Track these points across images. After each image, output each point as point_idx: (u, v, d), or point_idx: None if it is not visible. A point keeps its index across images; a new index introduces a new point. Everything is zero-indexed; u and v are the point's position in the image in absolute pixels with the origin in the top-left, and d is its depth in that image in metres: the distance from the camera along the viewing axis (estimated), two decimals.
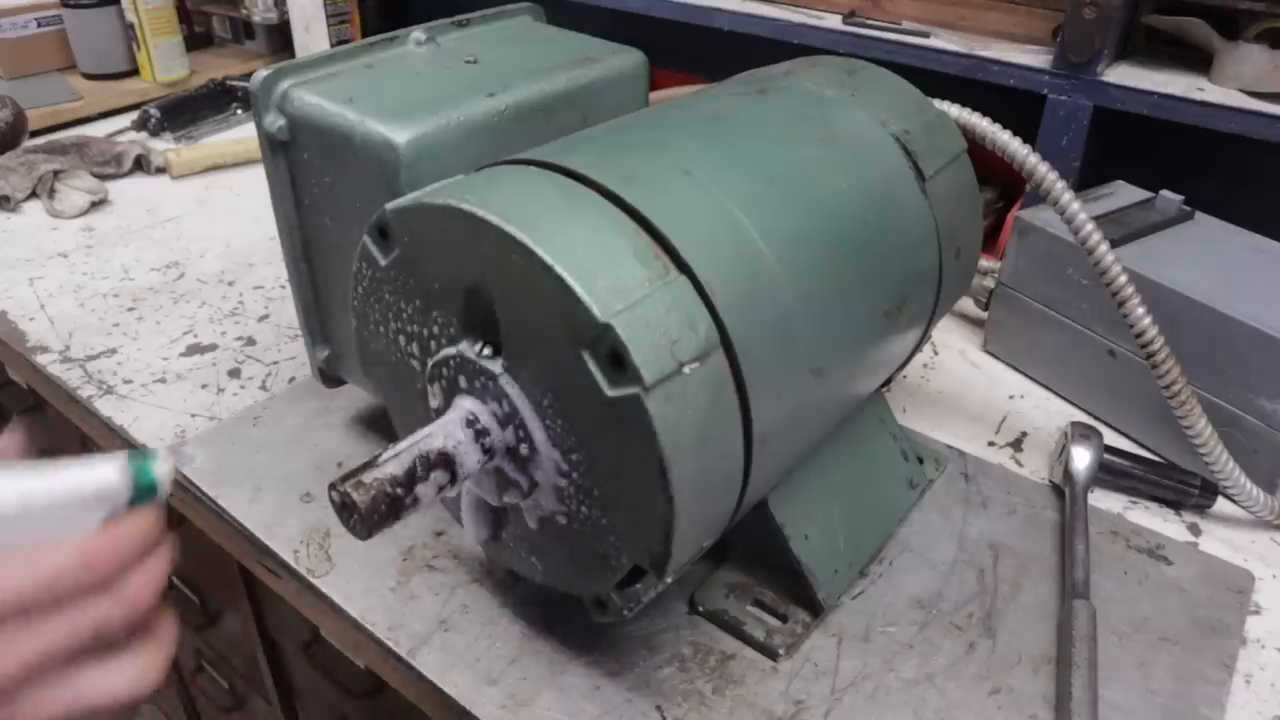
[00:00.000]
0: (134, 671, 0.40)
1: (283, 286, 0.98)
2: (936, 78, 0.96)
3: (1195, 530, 0.70)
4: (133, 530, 0.40)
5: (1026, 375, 0.87)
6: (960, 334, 0.93)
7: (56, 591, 0.38)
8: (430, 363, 0.51)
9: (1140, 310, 0.65)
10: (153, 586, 0.40)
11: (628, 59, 0.71)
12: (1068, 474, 0.70)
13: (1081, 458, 0.70)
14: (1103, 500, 0.72)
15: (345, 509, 0.45)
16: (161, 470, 0.41)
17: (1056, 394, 0.84)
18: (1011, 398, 0.84)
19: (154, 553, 0.41)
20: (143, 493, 0.40)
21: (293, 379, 0.84)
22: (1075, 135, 0.92)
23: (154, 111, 1.35)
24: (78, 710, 0.39)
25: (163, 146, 1.29)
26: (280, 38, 1.60)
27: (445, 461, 0.47)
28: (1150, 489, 0.72)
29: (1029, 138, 0.68)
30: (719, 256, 0.47)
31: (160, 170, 1.25)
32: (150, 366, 0.86)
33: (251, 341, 0.90)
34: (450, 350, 0.50)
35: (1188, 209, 0.83)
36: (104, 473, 0.39)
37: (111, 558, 0.39)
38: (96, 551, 0.39)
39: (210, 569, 0.95)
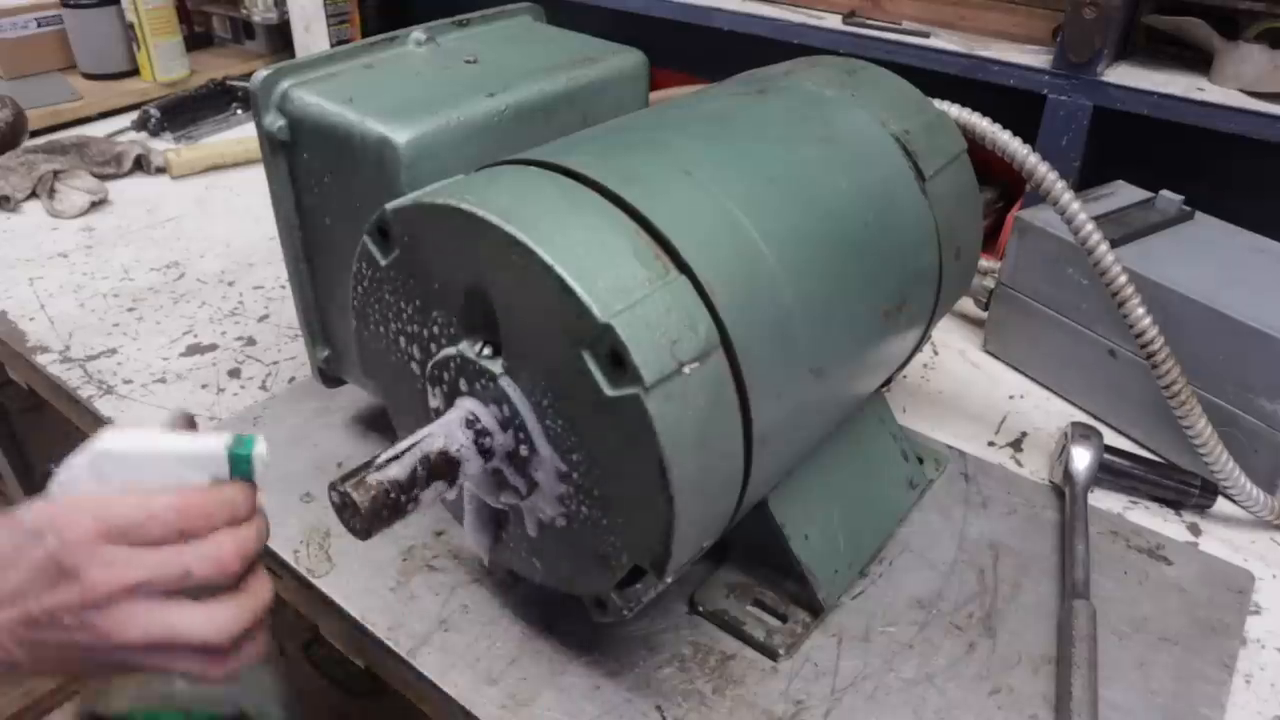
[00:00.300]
0: (214, 617, 0.46)
1: (283, 286, 0.98)
2: (936, 78, 0.96)
3: (1195, 530, 0.70)
4: (224, 493, 0.46)
5: (1026, 375, 0.86)
6: (960, 334, 0.93)
7: (153, 526, 0.45)
8: (430, 363, 0.51)
9: (1140, 310, 0.65)
10: (238, 548, 0.46)
11: (628, 59, 0.71)
12: (1068, 474, 0.70)
13: (1081, 458, 0.70)
14: (1103, 500, 0.72)
15: (345, 509, 0.45)
16: (256, 448, 0.47)
17: (1056, 394, 0.84)
18: (1011, 398, 0.84)
19: (245, 522, 0.47)
20: (240, 464, 0.47)
21: (293, 379, 0.84)
22: (1075, 135, 0.92)
23: (154, 111, 1.35)
24: (160, 637, 0.45)
25: (163, 146, 1.29)
26: (280, 38, 1.60)
27: (445, 462, 0.47)
28: (1150, 489, 0.72)
29: (1029, 138, 0.68)
30: (719, 256, 0.47)
31: (160, 170, 1.25)
32: (150, 366, 0.86)
33: (251, 341, 0.90)
34: (450, 350, 0.50)
35: (1188, 209, 0.83)
36: (211, 442, 0.47)
37: (200, 508, 0.46)
38: (189, 499, 0.46)
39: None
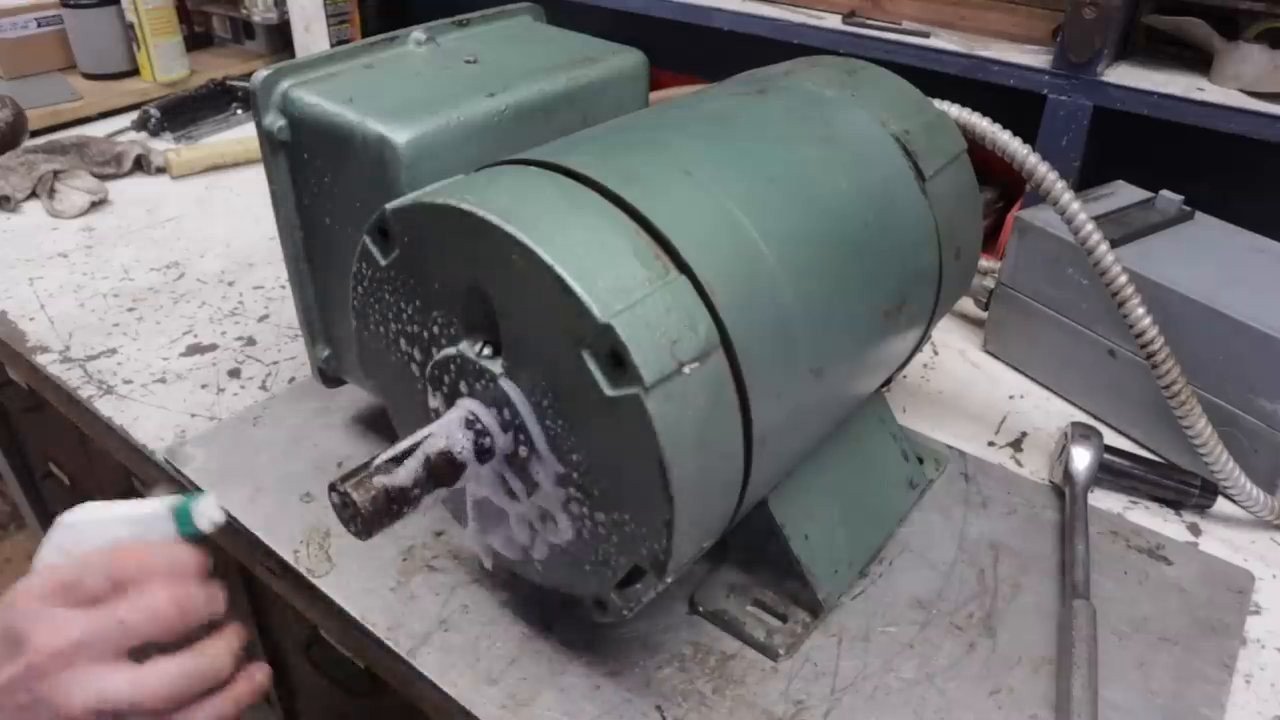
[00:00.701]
0: (139, 678, 0.46)
1: (283, 286, 0.98)
2: (936, 78, 0.96)
3: (1195, 530, 0.70)
4: (163, 549, 0.49)
5: (1026, 375, 0.86)
6: (960, 334, 0.93)
7: (89, 579, 0.47)
8: (430, 363, 0.51)
9: (1140, 310, 0.65)
10: (176, 600, 0.47)
11: (628, 59, 0.71)
12: (1068, 474, 0.70)
13: (1081, 458, 0.70)
14: (1103, 500, 0.72)
15: (345, 509, 0.45)
16: (199, 506, 0.50)
17: (1056, 394, 0.84)
18: (1011, 398, 0.84)
19: (189, 580, 0.49)
20: (184, 521, 0.50)
21: (293, 379, 0.84)
22: (1075, 135, 0.92)
23: (154, 111, 1.34)
24: (96, 703, 0.45)
25: (163, 146, 1.29)
26: (280, 38, 1.60)
27: (446, 462, 0.47)
28: (1150, 489, 0.72)
29: (1029, 138, 0.68)
30: (719, 256, 0.47)
31: (160, 170, 1.25)
32: (150, 366, 0.86)
33: (251, 341, 0.90)
34: (450, 350, 0.50)
35: (1188, 209, 0.83)
36: (156, 503, 0.50)
37: (134, 558, 0.48)
38: (122, 550, 0.48)
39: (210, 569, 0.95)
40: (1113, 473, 0.72)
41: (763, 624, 0.60)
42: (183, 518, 0.50)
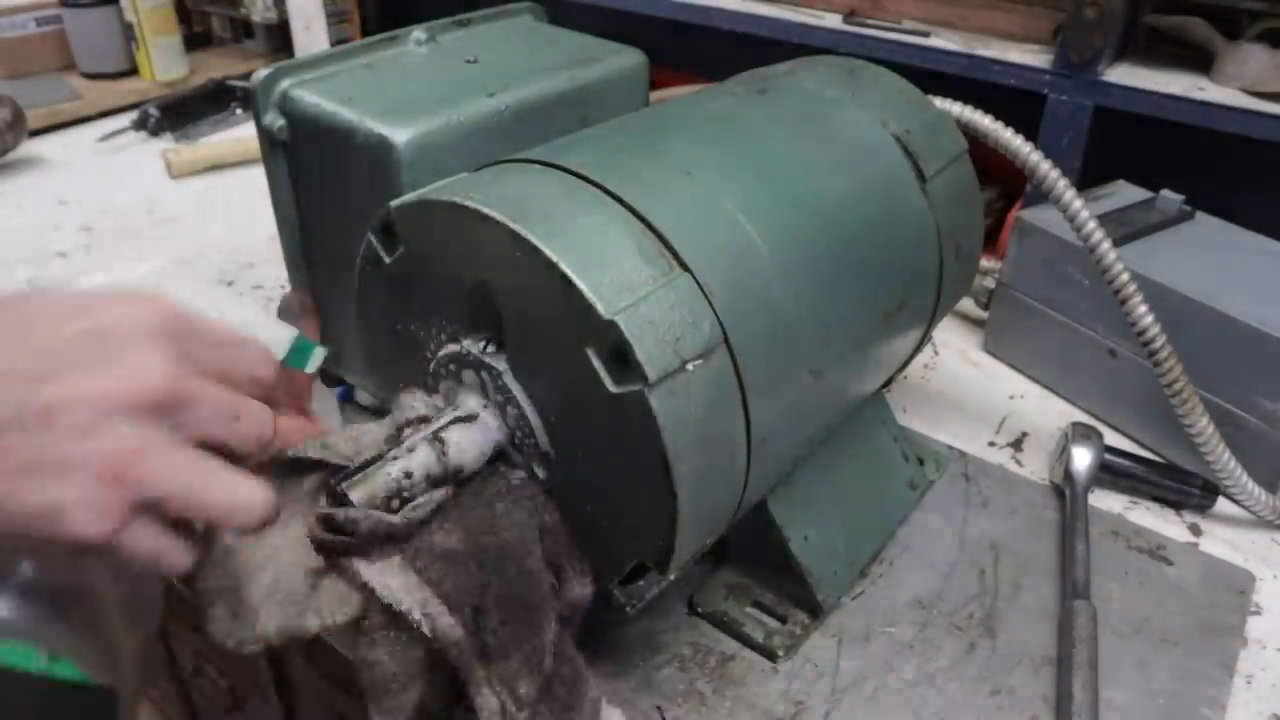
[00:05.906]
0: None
1: (283, 286, 0.98)
2: (936, 77, 0.96)
3: (1196, 530, 0.70)
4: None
5: (1026, 375, 0.86)
6: (960, 334, 0.93)
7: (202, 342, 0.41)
8: (433, 361, 0.51)
9: (1142, 308, 0.65)
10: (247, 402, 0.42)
11: (628, 59, 0.71)
12: (1068, 474, 0.70)
13: (1082, 458, 0.70)
14: (1103, 500, 0.72)
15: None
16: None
17: (1056, 394, 0.84)
18: (1011, 398, 0.84)
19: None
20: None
21: None
22: (1076, 135, 0.92)
23: (153, 111, 1.34)
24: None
25: (162, 146, 1.29)
26: (280, 37, 1.60)
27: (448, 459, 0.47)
28: (1151, 489, 0.72)
29: (1029, 138, 0.68)
30: (718, 257, 0.47)
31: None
32: None
33: None
34: (453, 348, 0.50)
35: (1188, 209, 0.83)
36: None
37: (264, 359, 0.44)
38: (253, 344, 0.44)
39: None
40: (1113, 473, 0.72)
41: (762, 625, 0.60)
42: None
